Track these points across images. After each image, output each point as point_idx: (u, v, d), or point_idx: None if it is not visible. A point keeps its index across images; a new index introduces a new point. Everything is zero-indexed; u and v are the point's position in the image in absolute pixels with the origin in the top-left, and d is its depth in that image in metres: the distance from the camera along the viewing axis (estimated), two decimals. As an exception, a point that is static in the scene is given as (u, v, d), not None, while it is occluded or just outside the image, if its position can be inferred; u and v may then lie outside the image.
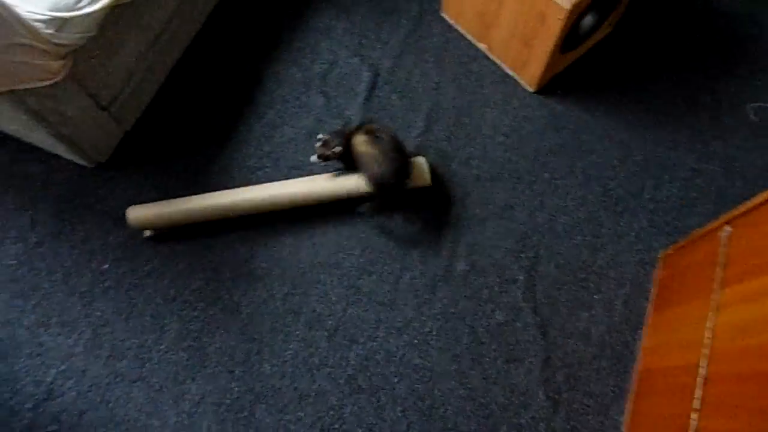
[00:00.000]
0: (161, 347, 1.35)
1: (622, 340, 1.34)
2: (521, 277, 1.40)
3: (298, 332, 1.36)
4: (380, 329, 1.36)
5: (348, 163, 1.39)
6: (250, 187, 1.42)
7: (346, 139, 1.37)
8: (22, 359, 1.33)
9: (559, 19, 1.30)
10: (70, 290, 1.40)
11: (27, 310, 1.37)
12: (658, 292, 1.36)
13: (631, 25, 1.65)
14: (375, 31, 1.68)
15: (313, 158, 1.39)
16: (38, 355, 1.34)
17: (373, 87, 1.61)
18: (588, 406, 1.29)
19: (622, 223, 1.45)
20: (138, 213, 1.39)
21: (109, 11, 1.26)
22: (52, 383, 1.31)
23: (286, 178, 1.49)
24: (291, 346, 1.35)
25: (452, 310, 1.38)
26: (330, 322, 1.37)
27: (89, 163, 1.49)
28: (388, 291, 1.40)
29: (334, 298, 1.39)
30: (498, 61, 1.62)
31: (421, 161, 1.43)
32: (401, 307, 1.38)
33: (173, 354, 1.34)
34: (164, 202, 1.41)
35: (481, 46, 1.63)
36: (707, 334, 1.03)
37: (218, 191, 1.40)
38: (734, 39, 1.67)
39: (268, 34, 1.68)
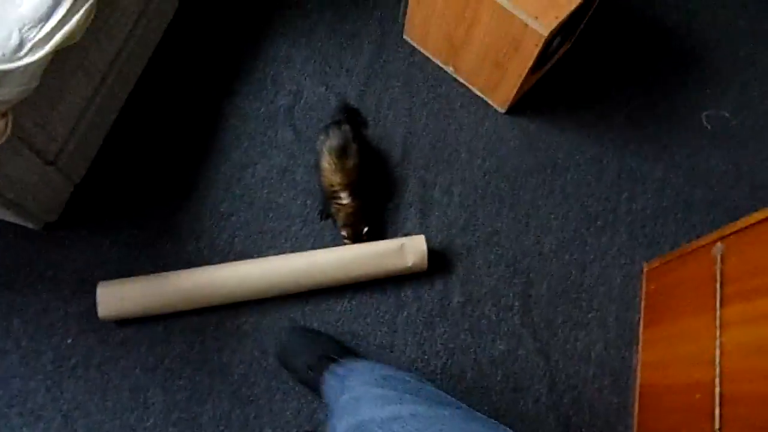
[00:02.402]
0: (147, 424, 1.22)
1: (620, 356, 1.37)
2: (517, 303, 1.40)
3: (296, 389, 1.27)
4: (383, 374, 1.30)
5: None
6: (253, 265, 1.30)
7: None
8: (-18, 461, 1.16)
9: (536, 45, 1.30)
10: (31, 373, 1.23)
11: (-20, 403, 1.20)
12: (647, 306, 1.40)
13: (587, 40, 1.69)
14: (337, 57, 1.61)
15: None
16: (1, 453, 1.17)
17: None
18: (596, 426, 1.30)
19: (603, 239, 1.48)
20: (111, 309, 1.24)
21: (52, 56, 1.12)
22: (21, 484, 1.15)
23: (262, 222, 1.40)
24: (292, 404, 1.26)
25: (453, 345, 1.34)
26: (329, 373, 1.29)
27: (36, 226, 1.32)
28: (386, 333, 1.34)
29: (330, 347, 1.32)
30: (467, 83, 1.60)
31: (419, 243, 1.34)
32: (402, 349, 1.33)
33: (161, 430, 1.22)
34: (144, 290, 1.25)
35: (448, 68, 1.60)
36: (716, 352, 1.07)
37: (212, 268, 1.28)
38: (683, 51, 1.75)
39: (223, 66, 1.56)
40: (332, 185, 1.35)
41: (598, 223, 1.50)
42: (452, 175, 1.51)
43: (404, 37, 1.65)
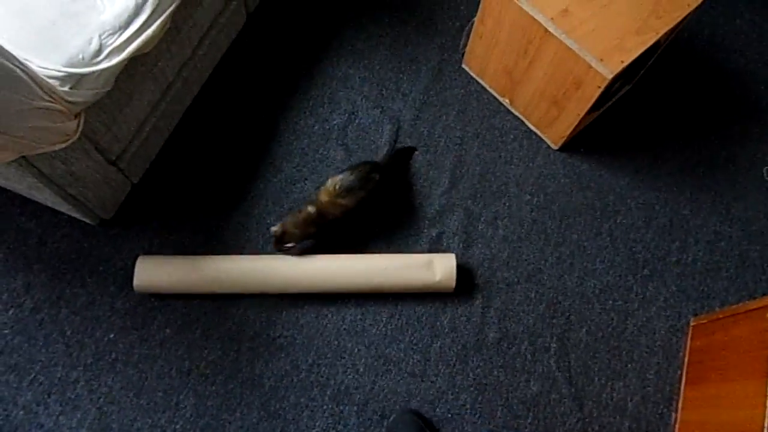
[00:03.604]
0: (176, 427, 1.24)
1: (657, 412, 1.32)
2: (554, 345, 1.37)
3: (324, 407, 1.28)
4: (412, 402, 1.29)
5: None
6: (285, 261, 1.32)
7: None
8: (19, 444, 1.20)
9: (598, 87, 1.28)
10: (72, 363, 1.27)
11: (23, 387, 1.24)
12: (690, 362, 1.35)
13: (649, 83, 1.66)
14: (394, 81, 1.63)
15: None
16: (37, 438, 1.21)
17: (395, 140, 1.55)
18: (626, 482, 1.26)
19: (650, 288, 1.44)
20: (146, 280, 1.29)
21: (126, 63, 1.16)
22: (53, 471, 1.19)
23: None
24: (318, 423, 1.26)
25: (485, 381, 1.32)
26: (359, 396, 1.29)
27: (92, 221, 1.37)
28: (419, 361, 1.33)
29: (361, 369, 1.32)
30: (522, 117, 1.59)
31: (449, 260, 1.34)
32: (433, 379, 1.32)
33: (190, 434, 1.24)
34: (179, 267, 1.30)
35: (504, 101, 1.60)
36: (765, 422, 1.02)
37: (245, 258, 1.32)
38: (748, 100, 1.70)
39: (283, 82, 1.60)
40: (315, 202, 1.33)
41: (645, 271, 1.46)
42: (499, 208, 1.50)
43: (463, 66, 1.65)
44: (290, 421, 1.26)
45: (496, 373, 1.33)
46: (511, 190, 1.52)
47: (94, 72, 1.10)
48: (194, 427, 1.24)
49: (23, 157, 1.09)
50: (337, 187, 1.33)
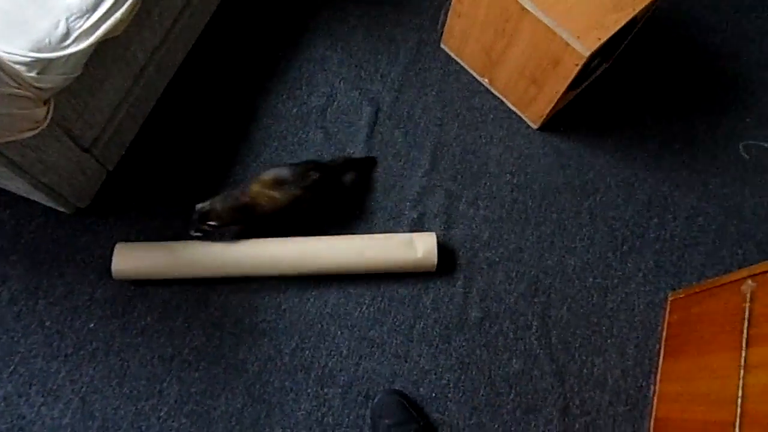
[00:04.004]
0: (161, 414, 1.24)
1: (636, 385, 1.35)
2: (535, 323, 1.38)
3: (309, 390, 1.28)
4: (396, 383, 1.30)
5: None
6: (262, 243, 1.31)
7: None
8: (0, 436, 1.19)
9: (576, 64, 1.28)
10: (52, 354, 1.26)
11: (2, 378, 1.23)
12: (668, 336, 1.37)
13: (627, 60, 1.66)
14: (373, 62, 1.61)
15: None
16: (19, 429, 1.20)
17: (374, 122, 1.54)
18: (607, 455, 1.29)
19: (629, 264, 1.46)
20: (124, 267, 1.27)
21: (95, 47, 1.13)
22: (36, 462, 1.18)
23: (291, 224, 1.40)
24: (303, 406, 1.27)
25: (468, 360, 1.34)
26: (343, 378, 1.30)
27: (68, 210, 1.35)
28: (402, 342, 1.34)
29: (345, 352, 1.32)
30: (501, 97, 1.59)
31: (430, 238, 1.34)
32: (416, 359, 1.33)
33: (174, 421, 1.23)
34: (158, 253, 1.29)
35: (484, 81, 1.59)
36: (739, 392, 1.04)
37: (221, 246, 1.30)
38: (725, 76, 1.71)
39: (259, 65, 1.57)
40: (250, 192, 1.29)
41: (625, 247, 1.48)
42: (479, 188, 1.50)
43: (441, 46, 1.64)
44: (275, 405, 1.26)
45: (478, 352, 1.35)
46: (491, 170, 1.52)
47: (62, 57, 1.07)
48: (179, 414, 1.24)
49: (-8, 146, 1.07)
50: (270, 177, 1.29)
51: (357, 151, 1.50)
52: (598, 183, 1.54)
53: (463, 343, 1.35)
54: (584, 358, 1.36)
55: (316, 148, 1.50)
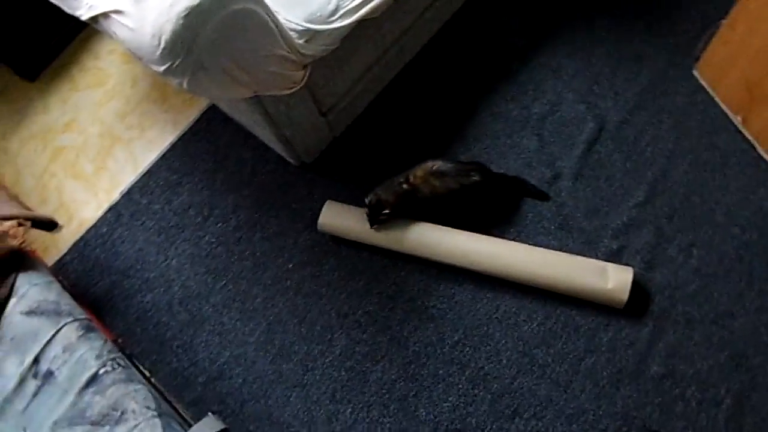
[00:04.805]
0: (326, 360, 1.36)
1: None
2: (728, 401, 1.20)
3: (460, 386, 1.30)
4: (548, 410, 1.25)
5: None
6: (453, 231, 1.36)
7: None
8: (204, 334, 1.42)
9: None
10: (256, 280, 1.46)
11: (215, 289, 1.46)
12: None
13: None
14: (610, 78, 1.52)
15: None
16: (218, 334, 1.42)
17: (594, 140, 1.46)
18: None
19: None
20: (329, 223, 1.41)
21: (354, 25, 1.26)
22: (224, 365, 1.39)
23: (484, 222, 1.41)
24: (450, 399, 1.29)
25: (635, 414, 1.22)
26: (496, 386, 1.28)
27: (295, 162, 1.54)
28: (566, 371, 1.28)
29: (504, 361, 1.30)
30: (754, 141, 1.38)
31: (626, 273, 1.25)
32: (577, 393, 1.25)
33: (335, 371, 1.35)
34: (358, 215, 1.40)
35: (736, 118, 1.40)
36: None
37: (420, 222, 1.38)
38: None
39: (492, 62, 1.59)
40: (413, 177, 1.36)
41: None
42: (698, 235, 1.34)
43: (694, 72, 1.48)
44: (425, 388, 1.30)
45: (649, 409, 1.22)
46: (717, 219, 1.35)
47: (327, 30, 1.21)
48: (341, 366, 1.35)
49: (256, 96, 1.25)
50: (434, 167, 1.35)
51: (568, 165, 1.44)
52: None
53: (634, 394, 1.24)
54: (781, 460, 1.15)
55: (527, 155, 1.48)
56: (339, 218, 1.42)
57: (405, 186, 1.36)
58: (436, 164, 1.36)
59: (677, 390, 1.23)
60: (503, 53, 1.60)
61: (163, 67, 1.05)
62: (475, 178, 1.36)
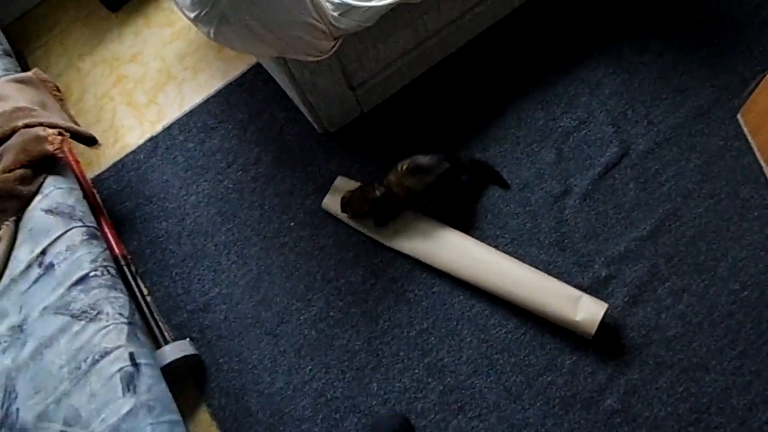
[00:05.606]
0: (301, 317, 1.44)
1: None
2: (676, 453, 1.17)
3: (416, 371, 1.33)
4: (493, 414, 1.26)
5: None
6: (450, 236, 1.39)
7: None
8: (202, 268, 1.54)
9: None
10: (258, 231, 1.55)
11: (221, 231, 1.57)
12: None
13: None
14: (647, 105, 1.47)
15: None
16: (213, 271, 1.53)
17: (614, 165, 1.43)
18: None
19: None
20: (334, 202, 1.48)
21: (393, 6, 1.29)
22: (211, 299, 1.50)
23: (480, 225, 1.43)
24: (404, 380, 1.33)
25: (577, 441, 1.21)
26: (449, 379, 1.31)
27: (319, 128, 1.61)
28: (521, 382, 1.28)
29: (464, 358, 1.32)
30: (780, 198, 1.31)
31: (598, 308, 1.23)
32: (526, 406, 1.26)
33: (306, 329, 1.42)
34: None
35: (768, 171, 1.33)
36: None
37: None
38: None
39: (530, 69, 1.57)
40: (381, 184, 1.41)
41: None
42: (693, 282, 1.29)
43: (737, 116, 1.41)
44: (383, 365, 1.35)
45: (593, 440, 1.21)
46: (720, 271, 1.29)
47: (363, 7, 1.26)
48: (312, 326, 1.42)
49: (282, 57, 1.33)
50: (406, 166, 1.36)
51: (579, 184, 1.42)
52: None
53: (582, 422, 1.22)
54: None
55: (541, 166, 1.46)
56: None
57: (376, 193, 1.40)
58: (411, 160, 1.38)
59: (626, 429, 1.20)
60: (544, 60, 1.58)
61: (192, 14, 1.14)
62: (446, 166, 1.37)
